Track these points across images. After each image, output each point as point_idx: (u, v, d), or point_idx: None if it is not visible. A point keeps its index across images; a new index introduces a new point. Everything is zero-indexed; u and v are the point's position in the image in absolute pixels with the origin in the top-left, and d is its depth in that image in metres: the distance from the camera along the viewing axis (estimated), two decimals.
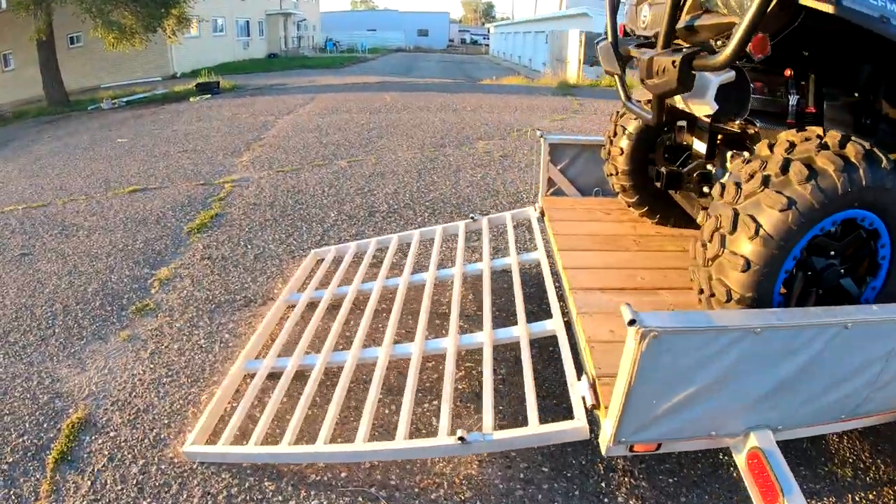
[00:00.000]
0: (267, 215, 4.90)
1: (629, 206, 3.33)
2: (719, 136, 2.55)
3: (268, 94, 13.07)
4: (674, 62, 1.87)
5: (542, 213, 3.52)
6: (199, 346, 2.99)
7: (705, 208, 2.11)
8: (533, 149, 7.17)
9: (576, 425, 1.96)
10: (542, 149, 3.55)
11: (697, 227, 2.19)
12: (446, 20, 61.31)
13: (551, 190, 3.71)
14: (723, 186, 1.93)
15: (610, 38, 2.58)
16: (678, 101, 2.18)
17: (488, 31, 49.58)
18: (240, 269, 3.91)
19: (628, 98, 2.66)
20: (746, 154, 2.24)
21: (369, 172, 6.11)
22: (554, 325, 2.60)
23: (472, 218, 3.73)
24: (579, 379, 2.08)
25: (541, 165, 3.61)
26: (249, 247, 4.27)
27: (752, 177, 1.80)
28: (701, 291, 2.00)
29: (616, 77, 2.69)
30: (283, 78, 17.85)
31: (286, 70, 21.68)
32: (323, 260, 3.89)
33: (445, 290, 3.50)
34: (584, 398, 1.96)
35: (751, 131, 2.27)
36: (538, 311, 3.10)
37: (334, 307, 3.15)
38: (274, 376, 2.58)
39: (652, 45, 2.37)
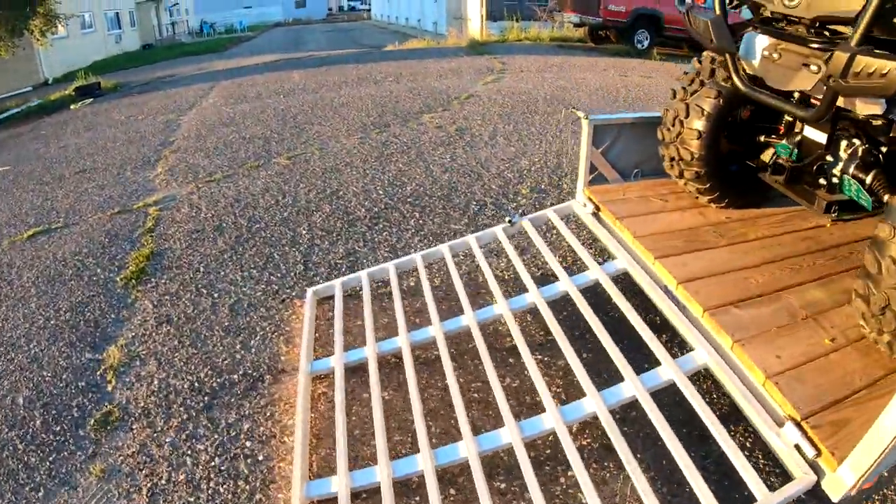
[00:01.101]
0: (219, 244, 3.87)
1: (698, 194, 2.86)
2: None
3: (158, 88, 11.15)
4: None
5: (598, 208, 2.91)
6: (216, 469, 2.11)
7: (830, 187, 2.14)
8: (486, 118, 6.51)
9: (805, 482, 1.62)
10: (585, 132, 2.91)
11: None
12: None
13: (591, 176, 3.09)
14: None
15: (719, 11, 2.16)
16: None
17: None
18: (217, 331, 2.95)
19: (753, 83, 2.23)
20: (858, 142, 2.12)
21: (320, 168, 5.14)
22: (705, 356, 2.03)
23: (509, 222, 3.03)
24: (781, 425, 1.72)
25: (583, 151, 2.97)
26: (216, 295, 3.28)
27: None
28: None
29: (728, 57, 2.26)
30: (168, 69, 15.51)
31: (167, 60, 19.06)
32: (329, 300, 3.05)
33: (525, 325, 2.77)
34: (797, 446, 1.66)
35: (876, 123, 1.98)
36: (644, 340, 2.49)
37: (388, 368, 2.38)
38: None
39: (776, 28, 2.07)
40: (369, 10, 45.69)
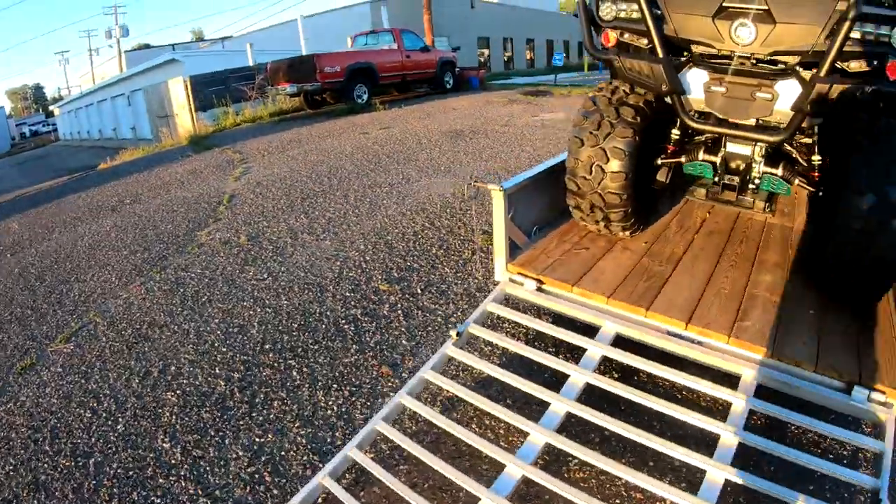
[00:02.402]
0: None
1: (621, 231, 2.85)
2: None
3: None
4: None
5: (540, 281, 2.60)
6: None
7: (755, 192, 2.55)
8: (267, 216, 5.68)
9: None
10: (499, 204, 2.57)
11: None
12: (2, 117, 45.95)
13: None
14: None
15: (662, 54, 2.14)
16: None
17: (52, 115, 42.08)
18: None
19: (699, 115, 2.31)
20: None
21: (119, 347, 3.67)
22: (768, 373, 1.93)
23: (457, 335, 2.46)
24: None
25: (499, 226, 2.64)
26: None
27: None
28: None
29: (676, 97, 2.24)
30: None
31: None
32: None
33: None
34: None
35: None
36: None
37: None
38: None
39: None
40: (56, 131, 40.05)
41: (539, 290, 2.59)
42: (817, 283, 2.39)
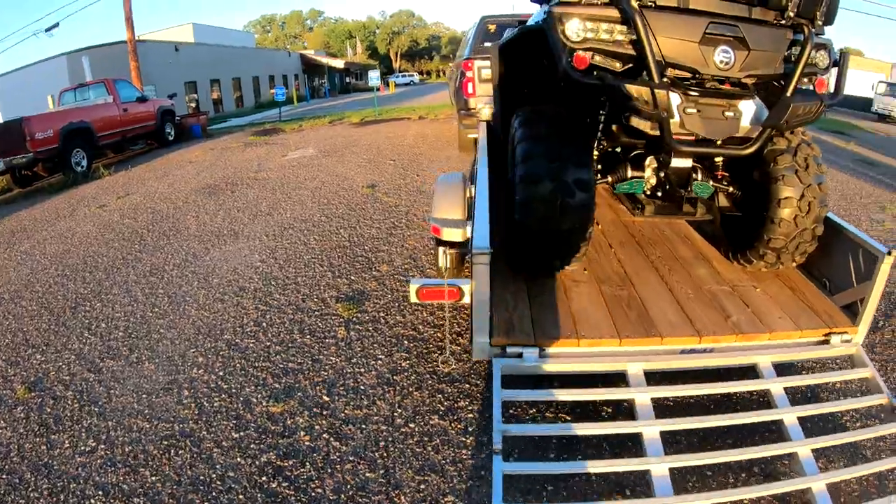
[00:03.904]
0: None
1: (577, 265, 2.83)
2: None
3: None
4: None
5: (542, 346, 2.38)
6: None
7: (690, 200, 2.73)
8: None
9: None
10: (485, 271, 2.23)
11: None
12: None
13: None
14: None
15: (658, 79, 2.10)
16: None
17: None
18: None
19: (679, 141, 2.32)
20: None
21: None
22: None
23: (497, 450, 2.08)
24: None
25: (482, 296, 2.30)
26: None
27: None
28: None
29: (664, 123, 2.20)
30: None
31: None
32: None
33: None
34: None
35: None
36: None
37: None
38: None
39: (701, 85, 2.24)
40: None
41: (542, 356, 2.36)
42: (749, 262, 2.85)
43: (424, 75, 68.43)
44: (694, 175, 2.64)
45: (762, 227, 2.59)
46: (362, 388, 3.09)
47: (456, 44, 66.12)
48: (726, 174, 2.79)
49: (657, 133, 2.22)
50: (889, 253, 2.32)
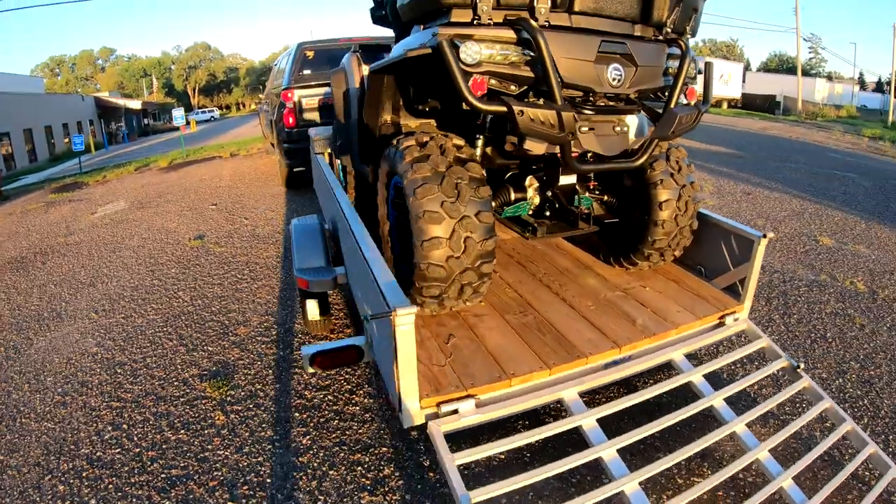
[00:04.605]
0: None
1: (478, 299, 2.65)
2: None
3: None
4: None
5: (472, 395, 2.19)
6: None
7: (582, 215, 2.78)
8: None
9: None
10: (410, 333, 1.97)
11: None
12: None
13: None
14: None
15: (560, 101, 2.00)
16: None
17: None
18: None
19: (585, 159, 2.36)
20: None
21: None
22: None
23: None
24: None
25: (408, 357, 2.03)
26: None
27: None
28: None
29: (566, 145, 2.15)
30: None
31: None
32: None
33: None
34: None
35: None
36: None
37: None
38: None
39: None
40: None
41: (479, 405, 2.14)
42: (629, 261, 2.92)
43: (224, 109, 66.20)
44: (578, 189, 2.67)
45: (645, 229, 2.70)
46: (269, 481, 2.56)
47: (259, 74, 65.61)
48: (597, 184, 2.89)
49: (552, 154, 2.18)
50: (764, 236, 2.58)
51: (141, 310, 4.55)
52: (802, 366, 2.61)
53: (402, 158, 2.22)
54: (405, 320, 1.78)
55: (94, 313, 4.58)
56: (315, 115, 7.16)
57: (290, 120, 7.12)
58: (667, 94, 2.24)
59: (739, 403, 2.74)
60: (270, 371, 3.46)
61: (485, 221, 2.14)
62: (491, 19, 1.96)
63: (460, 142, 2.29)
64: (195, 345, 3.87)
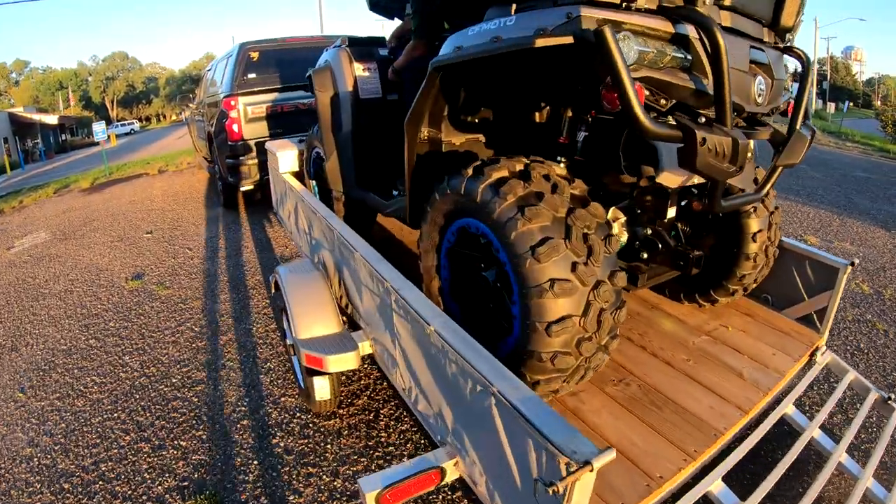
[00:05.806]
0: None
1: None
2: None
3: None
4: None
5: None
6: None
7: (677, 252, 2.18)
8: None
9: None
10: None
11: None
12: None
13: None
14: None
15: (730, 125, 1.47)
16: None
17: None
18: None
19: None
20: None
21: None
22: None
23: None
24: None
25: None
26: None
27: None
28: None
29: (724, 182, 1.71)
30: None
31: None
32: None
33: None
34: None
35: None
36: None
37: None
38: None
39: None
40: None
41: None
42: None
43: (145, 121, 62.55)
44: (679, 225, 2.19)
45: (733, 263, 2.31)
46: None
47: (180, 83, 61.69)
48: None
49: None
50: (852, 264, 2.27)
51: (80, 385, 3.62)
52: (894, 396, 2.36)
53: (499, 197, 1.58)
54: (588, 478, 1.13)
55: (21, 392, 3.62)
56: (262, 126, 6.37)
57: (235, 131, 6.27)
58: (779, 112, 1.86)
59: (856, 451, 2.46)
60: (273, 476, 2.63)
61: (619, 285, 1.57)
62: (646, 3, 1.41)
63: (562, 170, 1.70)
64: (161, 440, 2.98)
